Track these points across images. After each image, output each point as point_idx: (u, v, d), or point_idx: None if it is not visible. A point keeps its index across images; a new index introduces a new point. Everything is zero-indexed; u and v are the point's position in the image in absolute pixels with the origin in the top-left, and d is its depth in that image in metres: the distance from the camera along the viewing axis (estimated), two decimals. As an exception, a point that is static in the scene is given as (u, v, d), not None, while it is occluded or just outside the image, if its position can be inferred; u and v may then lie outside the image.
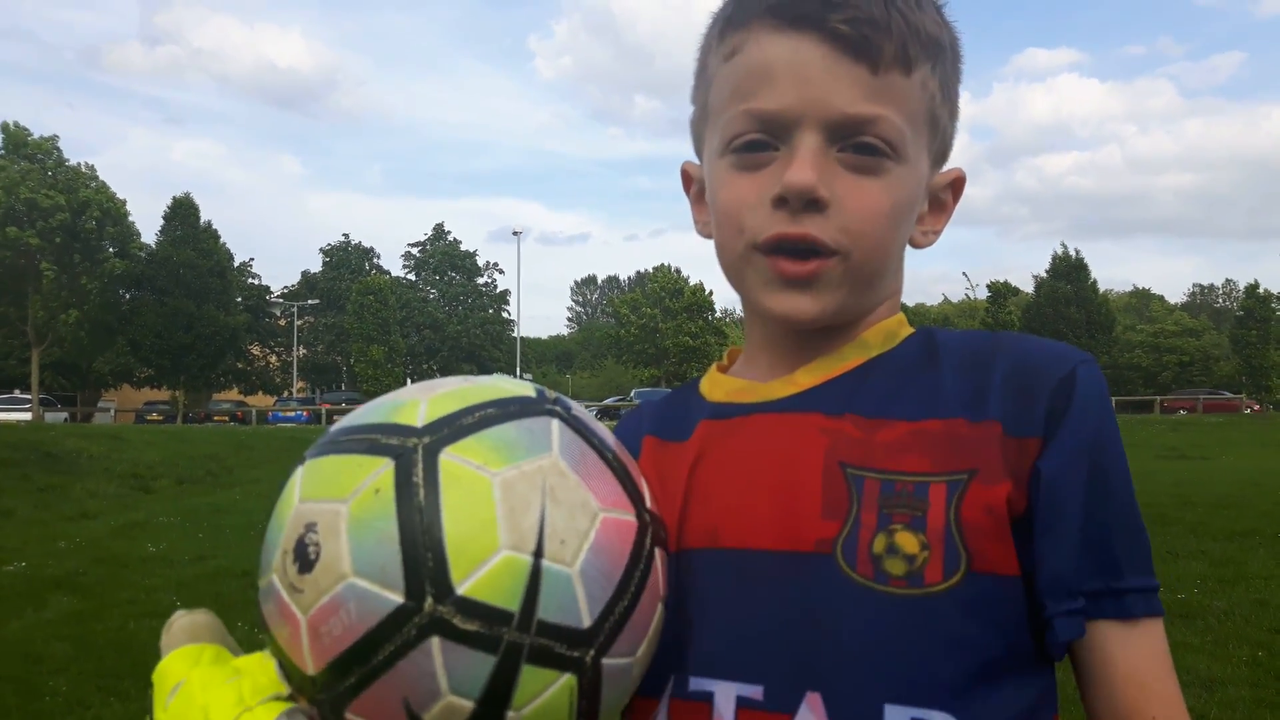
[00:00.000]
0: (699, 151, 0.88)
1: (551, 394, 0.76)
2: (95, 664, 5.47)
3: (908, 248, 0.85)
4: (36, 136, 37.37)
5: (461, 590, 0.63)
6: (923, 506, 0.72)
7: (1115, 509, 0.74)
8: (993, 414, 0.74)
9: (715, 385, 0.88)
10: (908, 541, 0.71)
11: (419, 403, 0.70)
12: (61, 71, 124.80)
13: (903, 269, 0.85)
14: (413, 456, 0.66)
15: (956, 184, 0.87)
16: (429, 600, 0.62)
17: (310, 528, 0.66)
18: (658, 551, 0.73)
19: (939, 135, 0.82)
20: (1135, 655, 0.73)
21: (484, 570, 0.63)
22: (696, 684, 0.75)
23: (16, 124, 37.36)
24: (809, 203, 0.75)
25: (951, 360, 0.79)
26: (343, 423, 0.73)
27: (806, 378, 0.82)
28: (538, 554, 0.64)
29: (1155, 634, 0.74)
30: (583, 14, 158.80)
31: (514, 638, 0.63)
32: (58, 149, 37.80)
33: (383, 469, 0.66)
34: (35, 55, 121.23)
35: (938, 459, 0.73)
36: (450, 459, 0.66)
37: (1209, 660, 5.02)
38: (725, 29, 0.80)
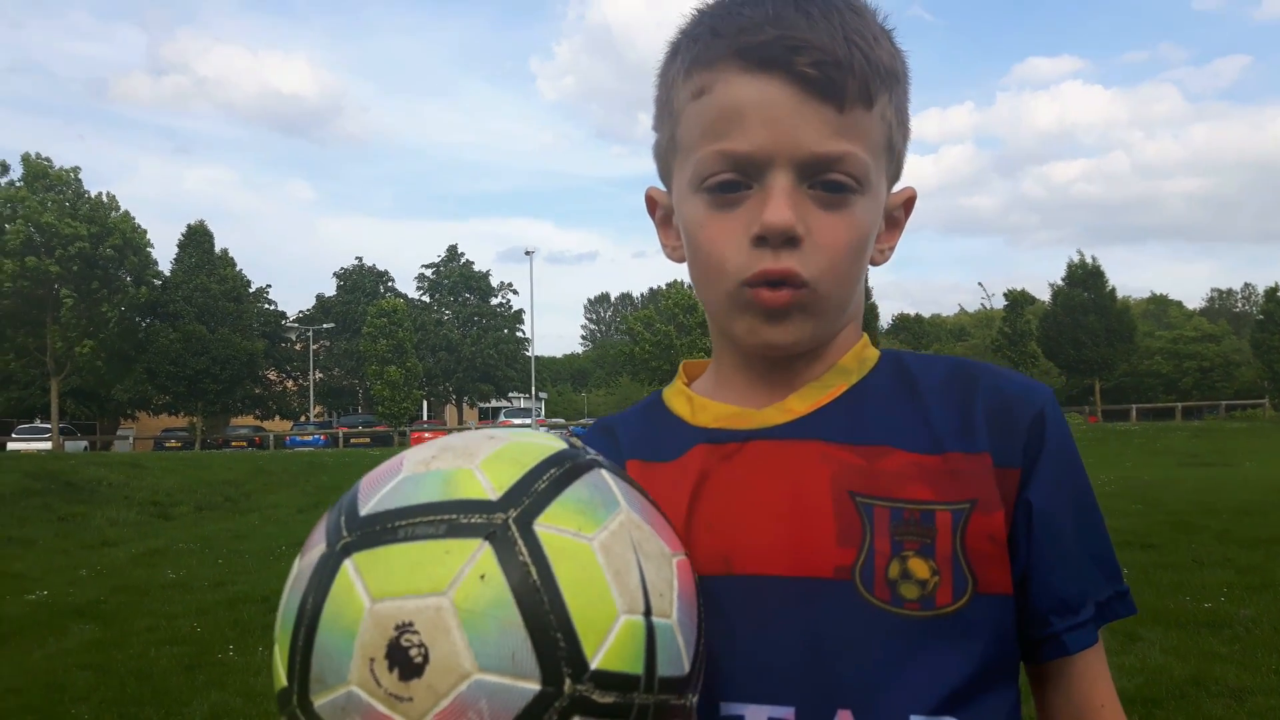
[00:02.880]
0: (664, 178, 0.91)
1: (577, 442, 0.75)
2: (117, 692, 5.47)
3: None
4: (58, 168, 37.62)
5: (595, 664, 0.62)
6: (930, 534, 0.77)
7: (1100, 524, 0.83)
8: (983, 446, 0.80)
9: (699, 409, 0.88)
10: (919, 567, 0.76)
11: (471, 472, 0.66)
12: (71, 103, 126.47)
13: (864, 290, 0.89)
14: (508, 534, 0.63)
15: (909, 202, 0.91)
16: (567, 681, 0.61)
17: (404, 628, 0.60)
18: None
19: (895, 158, 0.85)
20: (1095, 652, 0.82)
21: (611, 639, 0.63)
22: (727, 709, 0.76)
23: (38, 155, 37.57)
24: (786, 240, 0.78)
25: (932, 390, 0.84)
26: (379, 506, 0.66)
27: (800, 404, 0.84)
28: (647, 612, 0.65)
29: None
30: (582, 35, 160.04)
31: (642, 700, 0.64)
32: (78, 179, 38.05)
33: (479, 551, 0.62)
34: (45, 88, 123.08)
35: (939, 488, 0.78)
36: (546, 530, 0.64)
37: (1237, 669, 4.94)
38: (692, 67, 0.82)
